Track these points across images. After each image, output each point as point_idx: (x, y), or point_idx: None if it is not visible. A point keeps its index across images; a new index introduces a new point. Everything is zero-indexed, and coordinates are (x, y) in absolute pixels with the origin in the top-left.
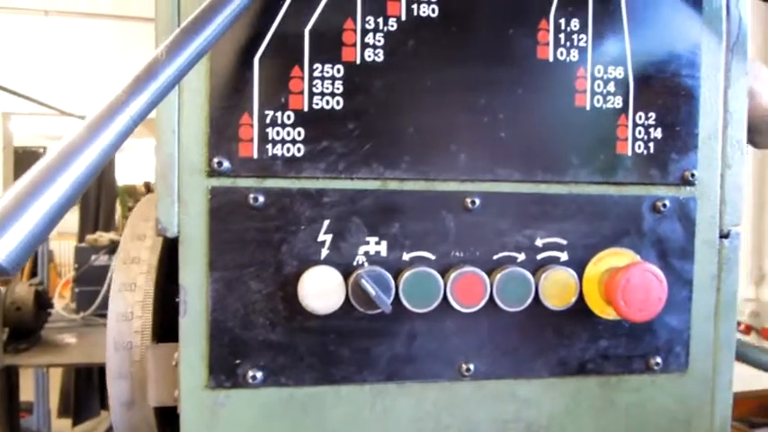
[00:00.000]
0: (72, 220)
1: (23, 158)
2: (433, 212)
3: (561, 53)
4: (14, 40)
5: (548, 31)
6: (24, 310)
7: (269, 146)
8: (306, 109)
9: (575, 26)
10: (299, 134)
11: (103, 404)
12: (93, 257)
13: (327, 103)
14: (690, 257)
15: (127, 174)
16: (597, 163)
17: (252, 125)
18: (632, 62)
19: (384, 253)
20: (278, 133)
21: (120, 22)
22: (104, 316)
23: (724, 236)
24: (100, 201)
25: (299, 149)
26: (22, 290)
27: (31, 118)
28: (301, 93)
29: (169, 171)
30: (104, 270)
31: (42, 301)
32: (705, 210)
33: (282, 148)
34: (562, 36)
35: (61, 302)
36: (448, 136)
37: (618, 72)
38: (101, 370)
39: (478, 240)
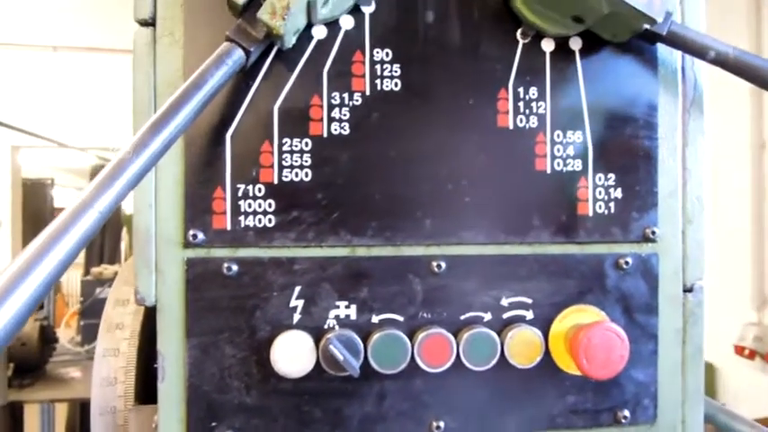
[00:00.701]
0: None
1: (31, 190)
2: (401, 276)
3: (521, 120)
4: (23, 75)
5: (507, 99)
6: (29, 345)
7: (241, 217)
8: (276, 181)
9: (533, 94)
10: (269, 205)
11: None
12: (98, 290)
13: (296, 175)
14: (654, 312)
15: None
16: (559, 224)
17: (224, 198)
18: (590, 126)
19: (353, 316)
20: (249, 205)
21: (127, 57)
22: None
23: (688, 290)
24: (105, 234)
25: (270, 220)
26: (27, 325)
27: (39, 150)
28: (271, 166)
29: (146, 243)
30: None
31: (47, 336)
32: (667, 265)
33: (254, 219)
34: (521, 104)
35: (68, 332)
36: (413, 203)
37: (576, 136)
38: None
39: (445, 302)
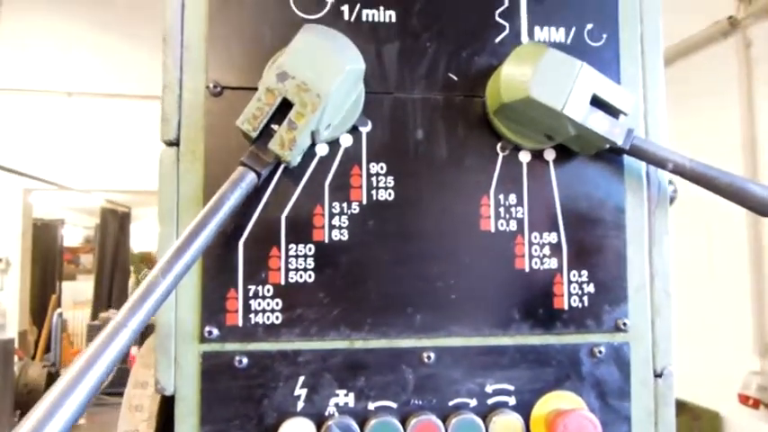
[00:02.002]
0: (86, 288)
1: (42, 230)
2: (395, 366)
3: (501, 224)
4: (38, 119)
5: (489, 206)
6: (36, 393)
7: (252, 315)
8: (283, 283)
9: (512, 201)
10: (277, 304)
11: None
12: None
13: (301, 276)
14: (627, 396)
15: (141, 240)
16: (538, 317)
17: (237, 298)
18: (564, 228)
19: (352, 404)
20: (259, 304)
21: (139, 102)
22: (114, 394)
23: (658, 375)
24: (114, 277)
25: (277, 317)
26: (35, 371)
27: (51, 192)
28: (279, 269)
29: (167, 339)
30: None
31: (53, 383)
32: (638, 353)
33: (263, 317)
34: (501, 209)
35: None
36: (405, 300)
37: (552, 237)
38: None
39: (435, 389)
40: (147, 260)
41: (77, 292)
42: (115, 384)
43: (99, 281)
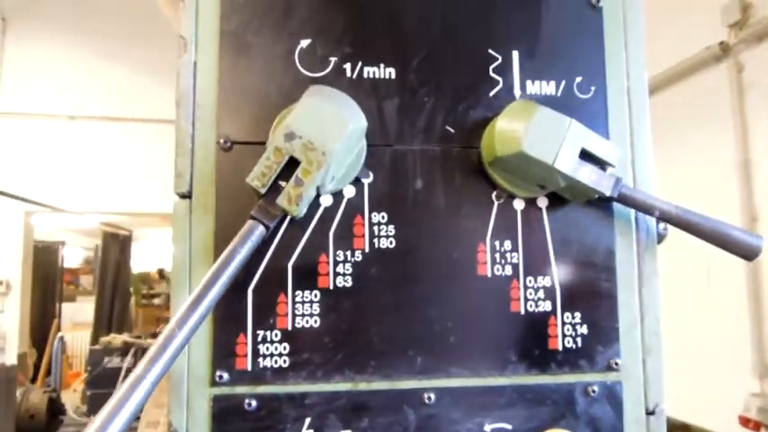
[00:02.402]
0: (85, 309)
1: (42, 252)
2: (396, 407)
3: (497, 269)
4: (42, 143)
5: (485, 252)
6: (38, 418)
7: (260, 359)
8: (290, 328)
9: (507, 246)
10: (284, 348)
11: None
12: (106, 360)
13: (307, 322)
14: None
15: (141, 261)
16: (533, 357)
17: (246, 343)
18: (557, 272)
19: None
20: (267, 349)
21: (139, 125)
22: None
23: (650, 413)
24: (114, 300)
25: (285, 361)
26: (36, 397)
27: (52, 214)
28: (286, 315)
29: (180, 384)
30: (117, 372)
31: (55, 409)
32: (631, 392)
33: (271, 361)
34: (497, 255)
35: (71, 396)
36: (406, 343)
37: (546, 281)
38: None
39: (436, 429)
40: (146, 280)
41: (77, 314)
42: None
43: (100, 304)
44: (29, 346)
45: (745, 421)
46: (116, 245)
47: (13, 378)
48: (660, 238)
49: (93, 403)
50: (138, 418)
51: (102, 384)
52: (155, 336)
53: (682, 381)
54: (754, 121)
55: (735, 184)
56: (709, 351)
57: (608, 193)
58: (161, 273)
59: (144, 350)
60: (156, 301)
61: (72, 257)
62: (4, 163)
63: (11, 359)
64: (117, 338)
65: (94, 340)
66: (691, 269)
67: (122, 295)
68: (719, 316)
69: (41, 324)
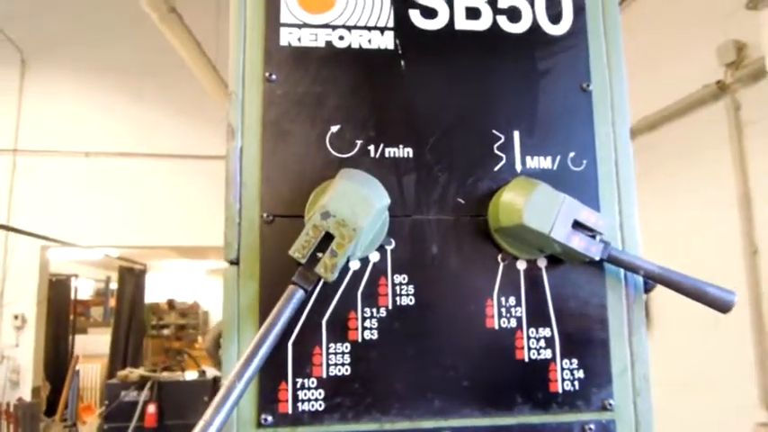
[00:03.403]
0: (96, 341)
1: (56, 286)
2: None
3: (503, 322)
4: (57, 179)
5: (492, 306)
6: None
7: (299, 404)
8: (324, 376)
9: (512, 302)
10: (320, 394)
11: None
12: (122, 393)
13: (339, 370)
14: None
15: (151, 292)
16: (536, 399)
17: (287, 390)
18: (556, 323)
19: None
20: (305, 394)
21: (152, 160)
22: None
23: None
24: (129, 334)
25: (320, 405)
26: (57, 431)
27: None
28: (321, 365)
29: (231, 427)
30: (132, 406)
31: None
32: (623, 429)
33: (309, 405)
34: (503, 309)
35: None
36: (425, 388)
37: (546, 332)
38: None
39: None
40: (156, 311)
41: (88, 345)
42: None
43: (115, 338)
44: (42, 379)
45: None
46: (132, 279)
47: (36, 414)
48: (649, 288)
49: None
50: None
51: (118, 418)
52: (167, 369)
53: (691, 412)
54: (752, 157)
55: (736, 218)
56: (718, 384)
57: (597, 258)
58: (170, 303)
59: (160, 384)
60: (166, 331)
61: (83, 289)
62: (22, 199)
63: (26, 393)
64: (134, 372)
65: (110, 374)
66: (699, 308)
67: (137, 328)
68: (727, 351)
69: (55, 357)
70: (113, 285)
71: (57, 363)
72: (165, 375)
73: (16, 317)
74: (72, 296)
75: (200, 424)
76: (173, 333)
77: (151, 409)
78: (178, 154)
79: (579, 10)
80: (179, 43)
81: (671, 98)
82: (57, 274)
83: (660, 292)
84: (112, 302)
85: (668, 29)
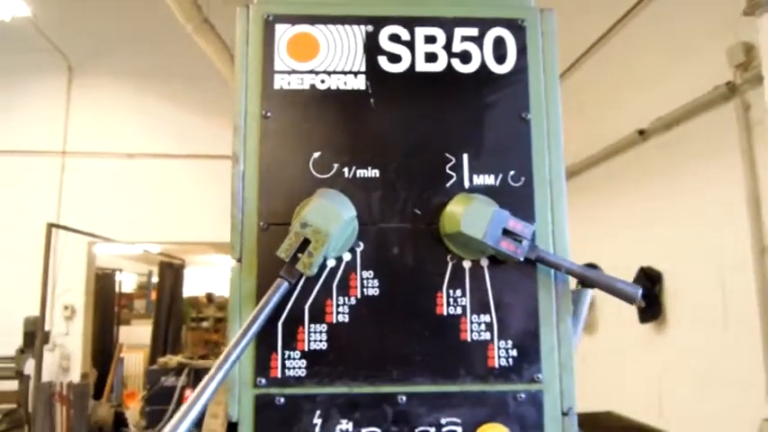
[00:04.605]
0: (139, 332)
1: (102, 279)
2: (378, 405)
3: (451, 310)
4: (103, 179)
5: (442, 297)
6: (105, 429)
7: (286, 370)
8: (306, 350)
9: (458, 294)
10: (303, 364)
11: None
12: (162, 379)
13: (318, 346)
14: (541, 429)
15: (190, 286)
16: (477, 372)
17: (277, 359)
18: (494, 312)
19: (351, 430)
20: (291, 364)
21: (191, 161)
22: None
23: (564, 413)
24: (169, 324)
25: (303, 372)
26: (104, 410)
27: (110, 243)
28: (304, 341)
29: (233, 386)
30: (171, 390)
31: (119, 421)
32: (549, 398)
33: (294, 372)
34: (451, 300)
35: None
36: (386, 360)
37: (486, 318)
38: None
39: (405, 421)
40: (195, 305)
41: (131, 336)
42: None
43: (156, 328)
44: (90, 366)
45: None
46: (171, 273)
47: (86, 393)
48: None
49: (152, 418)
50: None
51: (158, 401)
52: (203, 357)
53: (703, 407)
54: (762, 156)
55: (745, 217)
56: (727, 380)
57: (521, 259)
58: (209, 297)
59: (196, 370)
60: (204, 324)
61: (127, 283)
62: (70, 198)
63: (75, 378)
64: (173, 359)
65: (152, 361)
66: (709, 309)
67: (176, 319)
68: (736, 349)
69: (101, 347)
70: (155, 279)
71: (103, 351)
72: (201, 363)
73: (66, 307)
74: (116, 289)
75: (205, 378)
76: (211, 326)
77: (188, 393)
78: (214, 155)
79: (521, 51)
80: (212, 51)
81: (684, 99)
82: (102, 268)
83: (673, 294)
84: (154, 296)
85: (681, 31)
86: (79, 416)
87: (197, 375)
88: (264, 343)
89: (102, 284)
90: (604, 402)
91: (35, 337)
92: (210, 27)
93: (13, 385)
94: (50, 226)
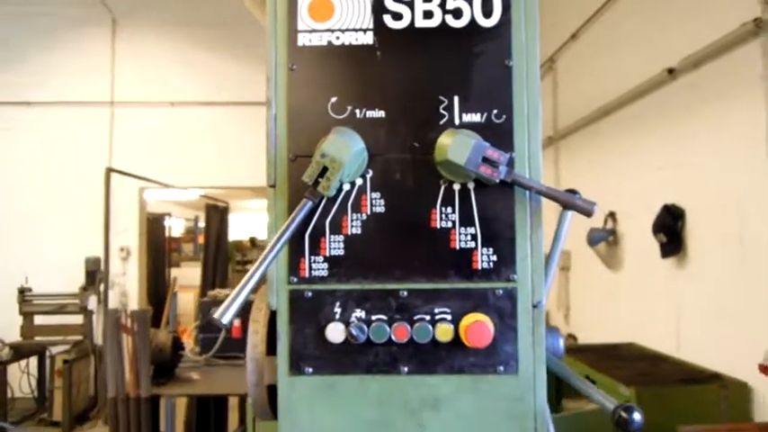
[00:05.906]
0: (187, 273)
1: (152, 224)
2: (385, 298)
3: (443, 224)
4: (146, 127)
5: (436, 213)
6: (165, 352)
7: (312, 271)
8: (328, 255)
9: (449, 210)
10: (325, 266)
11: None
12: (212, 310)
13: (336, 252)
14: (515, 318)
15: (235, 230)
16: (463, 273)
17: (305, 262)
18: (479, 225)
19: (363, 316)
20: (316, 266)
21: (231, 108)
22: (222, 357)
23: (534, 306)
24: (216, 263)
25: (325, 272)
26: (163, 336)
27: (159, 190)
28: (325, 248)
29: (272, 282)
30: None
31: (177, 345)
32: (522, 293)
33: (318, 272)
34: (443, 215)
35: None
36: (390, 264)
37: (472, 230)
38: (216, 401)
39: (406, 310)
40: (240, 248)
41: (181, 278)
42: (223, 350)
43: (205, 266)
44: (146, 303)
45: (765, 369)
46: (217, 215)
47: (148, 320)
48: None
49: (204, 345)
50: (250, 304)
51: (210, 330)
52: None
53: (718, 339)
54: None
55: (766, 154)
56: (740, 308)
57: (497, 182)
58: (252, 241)
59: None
60: (249, 266)
61: (175, 227)
62: (120, 145)
63: None
64: (221, 293)
65: (203, 294)
66: (728, 244)
67: (223, 261)
68: (751, 282)
69: (155, 286)
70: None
71: (157, 291)
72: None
73: (122, 249)
74: (166, 233)
75: (248, 274)
76: None
77: (236, 323)
78: (253, 101)
79: (506, 7)
80: (250, 2)
81: (713, 36)
82: (152, 213)
83: (695, 230)
84: (201, 240)
85: None
86: (143, 338)
87: (243, 308)
88: (295, 250)
89: (153, 228)
90: (630, 334)
91: (96, 275)
92: None
93: (78, 319)
94: (109, 170)
